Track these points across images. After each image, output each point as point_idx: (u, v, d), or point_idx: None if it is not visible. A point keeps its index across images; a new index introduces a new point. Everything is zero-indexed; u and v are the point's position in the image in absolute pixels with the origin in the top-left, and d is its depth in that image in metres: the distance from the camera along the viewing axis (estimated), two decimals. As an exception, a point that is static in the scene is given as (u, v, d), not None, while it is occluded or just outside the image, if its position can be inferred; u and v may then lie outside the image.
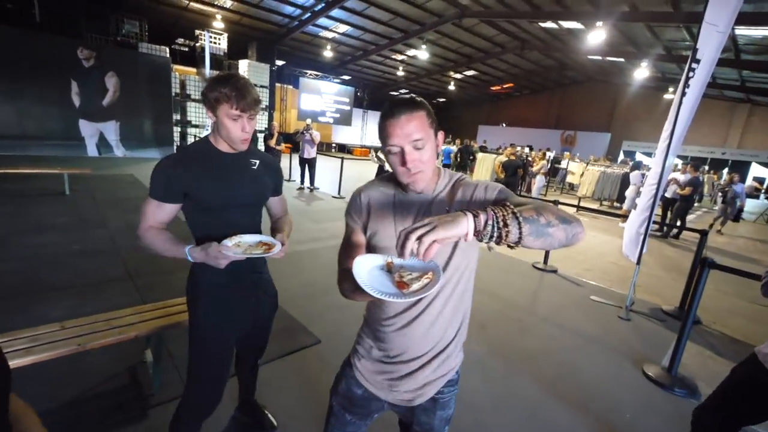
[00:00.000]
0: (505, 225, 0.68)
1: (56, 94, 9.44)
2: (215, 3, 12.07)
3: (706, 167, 17.02)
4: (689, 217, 9.20)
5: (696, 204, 11.90)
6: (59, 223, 4.60)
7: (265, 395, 2.04)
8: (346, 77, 20.69)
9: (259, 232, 1.46)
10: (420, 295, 0.73)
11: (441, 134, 0.96)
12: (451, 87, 22.36)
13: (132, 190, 6.90)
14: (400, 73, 19.66)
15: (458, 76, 20.44)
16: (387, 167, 7.32)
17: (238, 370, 1.79)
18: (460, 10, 12.20)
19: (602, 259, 5.63)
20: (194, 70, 13.09)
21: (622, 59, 15.00)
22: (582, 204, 10.16)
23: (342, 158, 9.02)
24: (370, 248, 1.01)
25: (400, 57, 17.57)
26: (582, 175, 11.32)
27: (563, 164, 12.63)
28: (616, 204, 10.76)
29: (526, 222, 0.69)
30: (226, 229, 1.29)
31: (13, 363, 1.56)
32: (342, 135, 21.44)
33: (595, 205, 10.77)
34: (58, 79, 9.42)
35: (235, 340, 1.48)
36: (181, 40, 13.71)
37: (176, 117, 12.01)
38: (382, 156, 7.72)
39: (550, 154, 13.91)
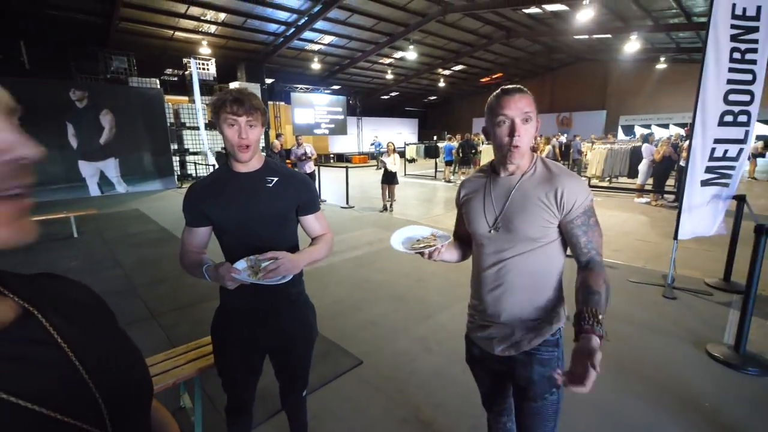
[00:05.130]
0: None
1: (53, 138, 9.38)
2: (200, 30, 12.04)
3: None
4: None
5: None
6: (71, 268, 4.48)
7: (319, 430, 1.89)
8: (337, 87, 20.66)
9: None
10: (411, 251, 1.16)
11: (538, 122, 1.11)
12: (441, 84, 22.29)
13: (140, 224, 6.80)
14: (389, 76, 19.60)
15: (447, 72, 20.36)
16: (391, 168, 7.22)
17: (282, 404, 1.64)
18: (442, 6, 12.11)
19: (628, 238, 5.46)
20: (186, 98, 13.07)
21: (609, 35, 14.88)
22: (592, 183, 9.98)
23: (347, 167, 8.90)
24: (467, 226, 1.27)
25: (387, 60, 17.51)
26: (586, 155, 11.14)
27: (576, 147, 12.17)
28: (625, 180, 10.58)
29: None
30: (250, 252, 1.27)
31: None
32: (339, 144, 21.36)
33: (604, 184, 10.61)
34: (53, 123, 9.38)
35: (255, 367, 1.45)
36: (170, 71, 13.73)
37: (174, 146, 11.97)
38: (385, 159, 7.59)
39: (561, 140, 13.58)
